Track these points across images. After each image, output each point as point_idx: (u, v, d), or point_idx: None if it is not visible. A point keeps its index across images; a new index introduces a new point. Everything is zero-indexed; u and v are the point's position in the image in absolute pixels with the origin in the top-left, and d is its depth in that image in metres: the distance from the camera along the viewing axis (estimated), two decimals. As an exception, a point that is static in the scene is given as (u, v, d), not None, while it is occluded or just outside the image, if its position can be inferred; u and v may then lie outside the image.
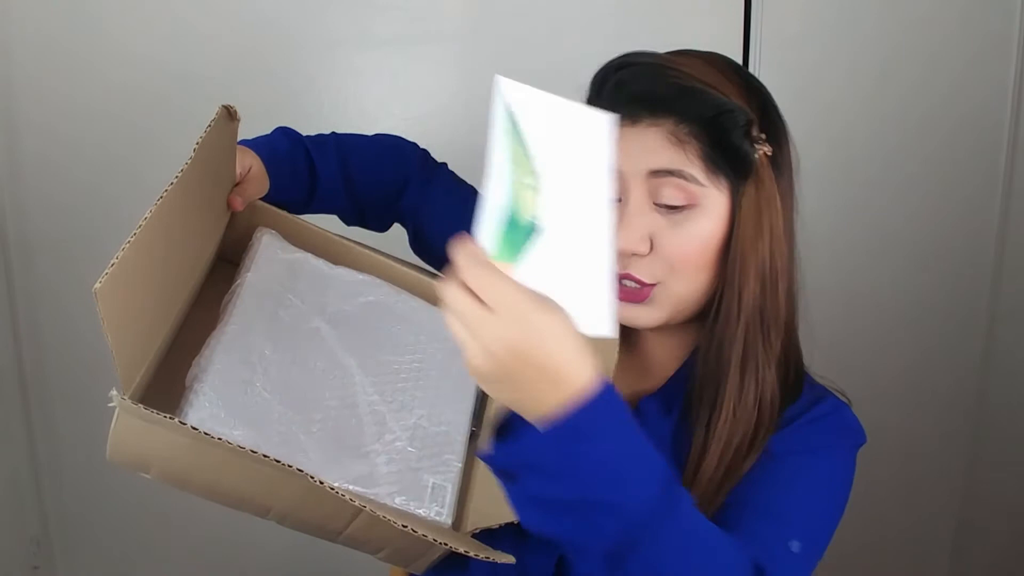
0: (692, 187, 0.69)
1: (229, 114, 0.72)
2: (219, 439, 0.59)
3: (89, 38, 1.50)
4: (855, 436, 0.75)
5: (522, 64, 1.50)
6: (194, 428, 0.60)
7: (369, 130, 1.55)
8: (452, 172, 0.98)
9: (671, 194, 0.70)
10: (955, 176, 1.61)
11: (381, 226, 0.98)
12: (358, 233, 0.96)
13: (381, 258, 0.87)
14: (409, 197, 0.94)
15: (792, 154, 0.75)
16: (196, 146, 0.67)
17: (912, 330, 1.67)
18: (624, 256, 0.71)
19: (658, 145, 0.69)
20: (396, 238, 0.98)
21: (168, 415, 0.59)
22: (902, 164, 1.60)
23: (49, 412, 1.63)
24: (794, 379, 0.76)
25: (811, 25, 1.54)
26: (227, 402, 0.68)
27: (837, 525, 0.72)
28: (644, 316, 0.74)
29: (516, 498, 0.54)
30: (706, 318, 0.75)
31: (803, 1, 1.53)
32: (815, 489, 0.71)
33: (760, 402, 0.72)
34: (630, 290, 0.72)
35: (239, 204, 0.79)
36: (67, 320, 1.57)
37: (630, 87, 0.71)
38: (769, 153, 0.71)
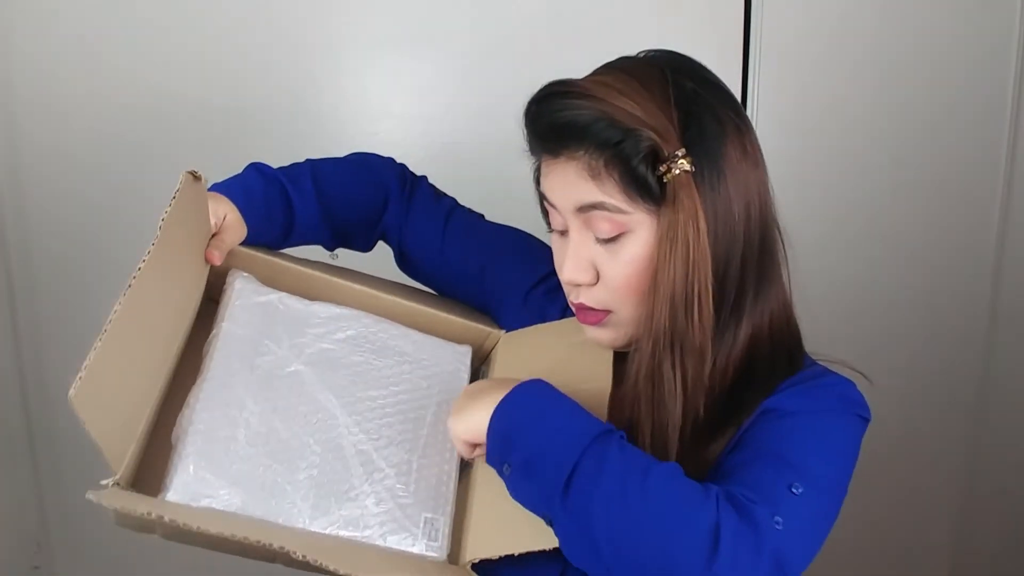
0: (618, 217, 0.70)
1: (194, 178, 0.71)
2: (197, 528, 0.61)
3: (90, 37, 1.50)
4: (860, 408, 0.73)
5: (521, 65, 1.50)
6: (171, 520, 0.60)
7: (369, 130, 1.56)
8: (432, 185, 0.97)
9: (601, 227, 0.70)
10: (955, 175, 1.61)
11: (365, 246, 0.96)
12: (340, 258, 0.94)
13: (360, 287, 0.85)
14: (391, 215, 0.93)
15: (738, 153, 0.71)
16: (161, 222, 0.66)
17: (912, 330, 1.67)
18: (571, 286, 0.74)
19: (578, 179, 0.70)
20: (382, 256, 0.98)
21: (147, 512, 0.60)
22: (902, 163, 1.60)
23: (49, 412, 1.63)
24: (785, 359, 0.75)
25: (811, 25, 1.54)
26: (211, 462, 0.68)
27: (845, 492, 0.70)
28: (604, 337, 0.76)
29: (511, 485, 0.67)
30: None
31: (803, 1, 1.53)
32: (820, 442, 0.69)
33: (676, 425, 0.71)
34: (587, 313, 0.75)
35: (217, 258, 0.77)
36: (67, 320, 1.57)
37: (544, 122, 0.72)
38: (689, 169, 0.68)
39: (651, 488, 0.61)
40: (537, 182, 0.78)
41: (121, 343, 0.63)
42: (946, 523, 1.77)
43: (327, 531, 0.69)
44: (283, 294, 0.81)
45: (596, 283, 0.73)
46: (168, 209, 0.67)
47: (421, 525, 0.72)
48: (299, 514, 0.69)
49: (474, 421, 0.69)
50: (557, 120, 0.70)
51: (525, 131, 0.75)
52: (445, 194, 0.96)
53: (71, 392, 0.57)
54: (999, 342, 1.68)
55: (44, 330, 1.61)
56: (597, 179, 0.69)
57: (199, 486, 0.67)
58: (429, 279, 0.95)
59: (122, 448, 0.66)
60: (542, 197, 0.76)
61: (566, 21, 1.52)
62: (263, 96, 1.54)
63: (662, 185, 0.68)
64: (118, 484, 0.65)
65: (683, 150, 0.68)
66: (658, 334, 0.70)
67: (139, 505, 0.61)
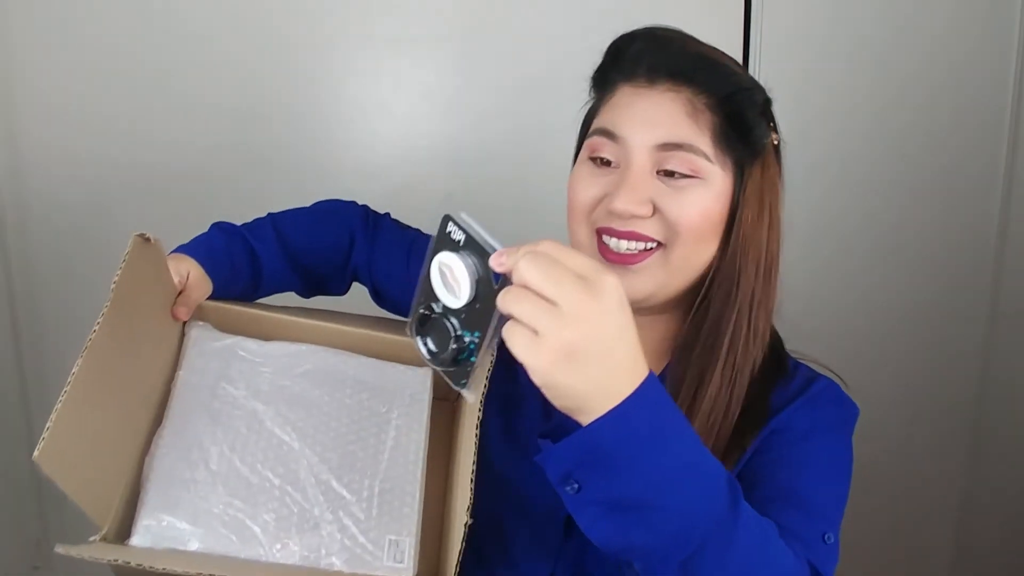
0: (700, 161, 0.70)
1: (144, 240, 0.72)
2: (162, 570, 0.63)
3: (90, 32, 1.50)
4: (850, 409, 0.76)
5: (520, 64, 1.50)
6: (138, 565, 0.63)
7: (369, 130, 1.56)
8: (396, 221, 0.98)
9: (678, 163, 0.70)
10: (955, 175, 1.61)
11: (340, 290, 0.98)
12: (309, 300, 0.96)
13: (331, 325, 0.86)
14: (358, 255, 0.95)
15: (778, 149, 0.77)
16: (113, 286, 0.68)
17: (912, 330, 1.67)
18: (624, 218, 0.71)
19: (673, 114, 0.70)
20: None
21: (123, 560, 0.63)
22: (902, 163, 1.60)
23: (49, 412, 1.63)
24: (773, 358, 0.77)
25: (811, 25, 1.54)
26: (172, 505, 0.70)
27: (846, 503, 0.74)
28: (631, 284, 0.71)
29: (580, 506, 0.54)
30: (683, 310, 0.75)
31: (803, 1, 1.53)
32: (828, 473, 0.72)
33: (743, 382, 0.73)
34: (623, 254, 0.71)
35: (183, 314, 0.80)
36: (67, 320, 1.57)
37: (654, 53, 0.72)
38: (776, 142, 0.73)
39: (769, 566, 0.58)
40: (591, 114, 0.77)
41: (84, 402, 0.65)
42: (946, 523, 1.77)
43: (290, 562, 0.71)
44: (239, 337, 0.82)
45: (651, 217, 0.71)
46: (119, 272, 0.69)
47: (385, 548, 0.73)
48: (260, 547, 0.71)
49: (584, 379, 0.49)
50: (672, 53, 0.72)
51: (611, 56, 0.76)
52: (409, 226, 0.98)
53: (35, 453, 0.59)
54: (999, 343, 1.68)
55: (44, 330, 1.61)
56: (693, 118, 0.69)
57: (162, 529, 0.69)
58: (404, 310, 0.95)
59: (105, 502, 0.68)
60: (598, 131, 0.73)
61: (565, 21, 1.52)
62: (263, 96, 1.54)
63: (758, 144, 0.71)
64: (105, 538, 0.67)
65: (772, 122, 0.73)
66: (745, 293, 0.72)
67: (106, 552, 0.64)
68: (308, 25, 1.52)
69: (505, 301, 0.49)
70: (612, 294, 0.49)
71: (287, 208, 0.96)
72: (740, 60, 1.53)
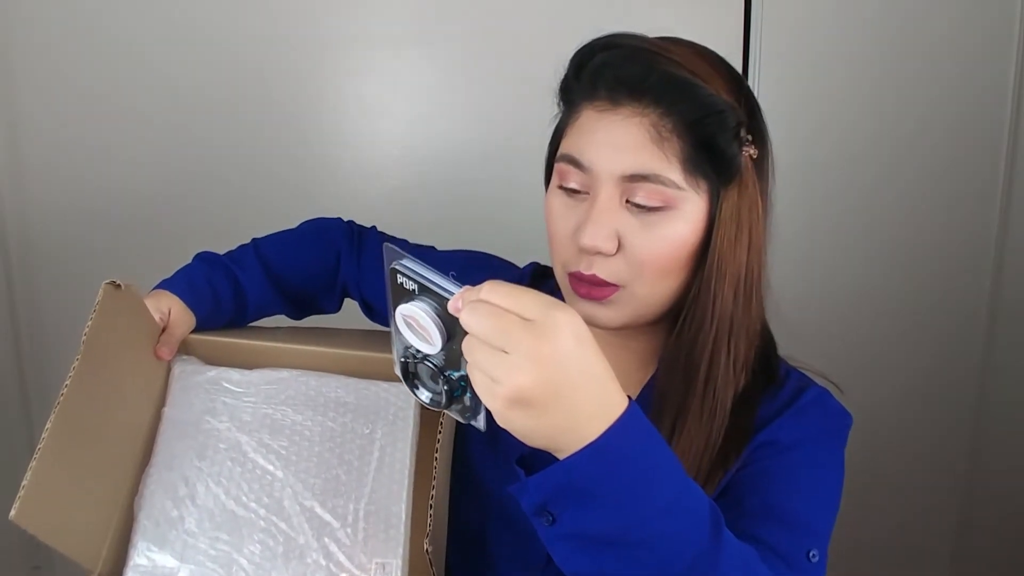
0: (669, 191, 0.65)
1: (115, 287, 0.73)
2: None
3: (91, 34, 1.50)
4: (841, 419, 0.74)
5: (520, 63, 1.50)
6: None
7: (369, 130, 1.57)
8: (381, 232, 0.97)
9: (645, 196, 0.65)
10: (955, 175, 1.61)
11: (331, 307, 0.97)
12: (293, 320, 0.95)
13: (308, 347, 0.85)
14: (345, 272, 0.94)
15: (770, 154, 0.72)
16: (84, 337, 0.69)
17: (912, 330, 1.67)
18: (589, 254, 0.67)
19: (637, 141, 0.65)
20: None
21: None
22: (902, 163, 1.60)
23: (49, 412, 1.63)
24: (762, 367, 0.74)
25: (811, 24, 1.54)
26: (161, 544, 0.72)
27: (836, 517, 0.71)
28: (603, 316, 0.69)
29: (554, 540, 0.52)
30: (669, 322, 0.72)
31: (803, 1, 1.53)
32: (815, 486, 0.69)
33: (724, 409, 0.70)
34: (591, 287, 0.68)
35: (166, 353, 0.79)
36: (68, 321, 1.57)
37: (615, 70, 0.67)
38: (754, 156, 0.68)
39: None
40: (558, 135, 0.73)
41: (61, 456, 0.66)
42: (946, 523, 1.77)
43: None
44: (223, 369, 0.82)
45: (615, 254, 0.67)
46: (89, 323, 0.69)
47: (372, 572, 0.73)
48: None
49: (544, 422, 0.48)
50: (637, 71, 0.65)
51: (573, 71, 0.71)
52: (394, 237, 0.96)
53: (12, 513, 0.60)
54: (999, 342, 1.68)
55: (44, 330, 1.61)
56: (659, 145, 0.64)
57: (151, 567, 0.70)
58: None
59: (94, 547, 0.70)
60: (564, 157, 0.69)
61: (564, 21, 1.52)
62: (264, 96, 1.54)
63: (732, 167, 0.66)
64: None
65: (750, 136, 0.67)
66: (722, 321, 0.68)
67: None
68: (308, 25, 1.52)
69: (464, 349, 0.49)
70: (564, 333, 0.47)
71: (282, 210, 0.96)
72: (740, 60, 1.54)
